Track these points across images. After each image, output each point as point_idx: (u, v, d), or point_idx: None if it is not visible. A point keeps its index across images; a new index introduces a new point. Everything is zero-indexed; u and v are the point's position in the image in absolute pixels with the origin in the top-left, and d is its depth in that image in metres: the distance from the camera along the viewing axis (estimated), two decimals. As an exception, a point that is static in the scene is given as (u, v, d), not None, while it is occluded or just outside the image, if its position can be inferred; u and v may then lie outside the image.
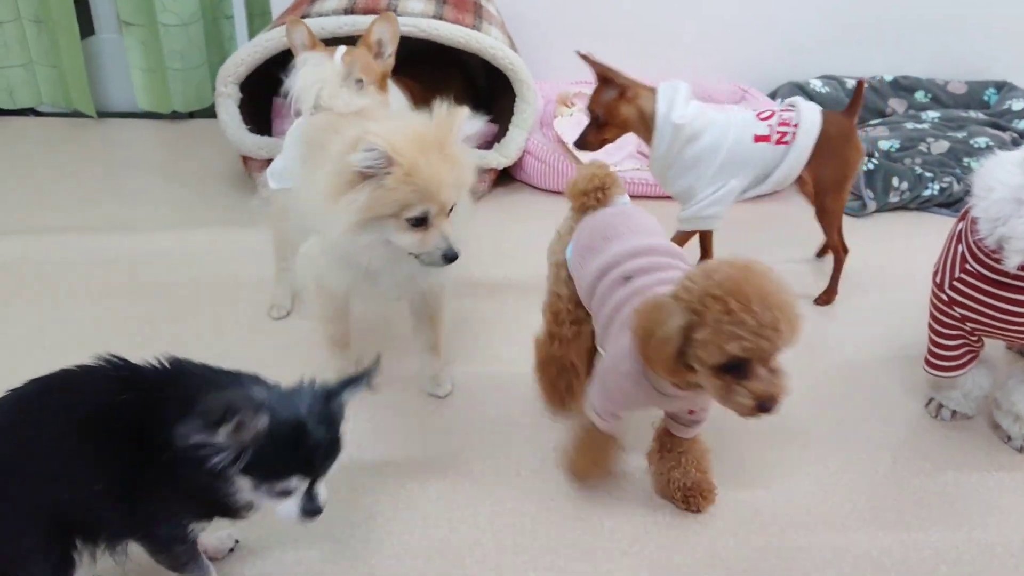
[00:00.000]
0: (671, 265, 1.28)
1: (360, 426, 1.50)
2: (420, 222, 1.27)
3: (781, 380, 1.09)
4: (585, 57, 1.83)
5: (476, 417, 1.53)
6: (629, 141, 2.47)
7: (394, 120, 1.43)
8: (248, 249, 2.04)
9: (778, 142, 1.77)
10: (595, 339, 1.40)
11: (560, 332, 1.46)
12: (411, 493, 1.36)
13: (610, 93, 1.79)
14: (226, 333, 1.74)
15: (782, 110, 1.81)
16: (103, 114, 2.86)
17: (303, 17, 2.18)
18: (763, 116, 1.80)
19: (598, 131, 1.83)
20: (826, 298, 1.95)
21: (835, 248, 1.92)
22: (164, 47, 2.70)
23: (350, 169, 1.22)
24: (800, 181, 1.92)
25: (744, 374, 1.07)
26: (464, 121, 1.28)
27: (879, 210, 2.34)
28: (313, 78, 1.46)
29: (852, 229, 2.25)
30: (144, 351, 1.70)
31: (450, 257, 1.28)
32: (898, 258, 2.12)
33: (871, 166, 2.34)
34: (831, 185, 1.83)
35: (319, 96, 1.43)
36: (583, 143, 1.85)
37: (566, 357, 1.46)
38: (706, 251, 2.03)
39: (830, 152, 1.78)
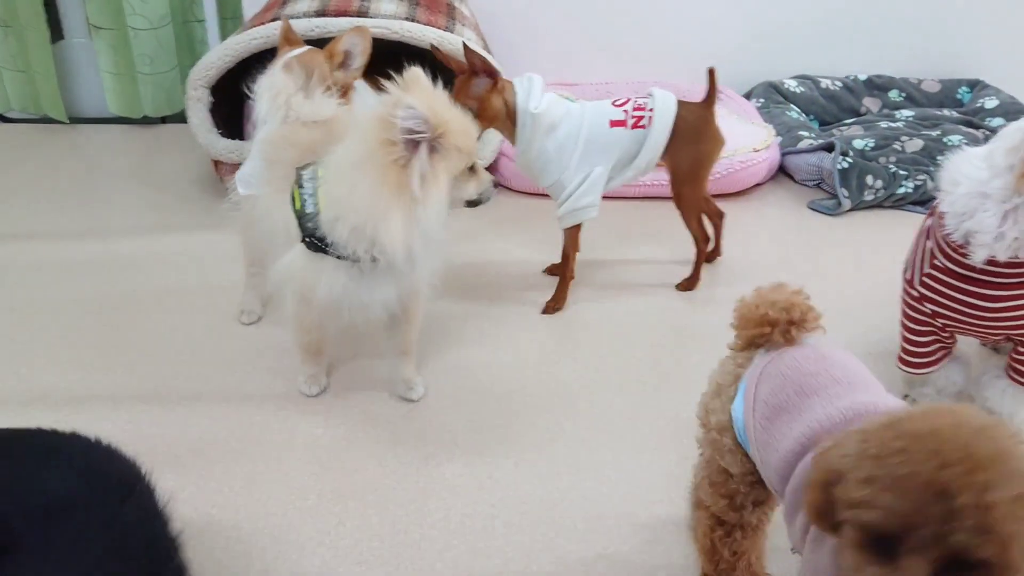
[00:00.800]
0: None
1: (330, 432, 1.48)
2: (471, 169, 1.39)
3: None
4: (436, 49, 1.81)
5: (449, 421, 1.51)
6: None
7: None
8: (219, 254, 2.02)
9: (634, 126, 1.79)
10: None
11: (741, 519, 1.07)
12: (381, 499, 1.34)
13: (482, 84, 1.74)
14: (195, 338, 1.72)
15: (637, 97, 1.82)
16: (74, 119, 2.83)
17: (274, 20, 2.17)
18: (618, 103, 1.82)
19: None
20: (687, 284, 1.96)
21: (695, 237, 1.93)
22: (134, 51, 2.67)
23: (390, 144, 1.24)
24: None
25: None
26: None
27: (854, 208, 2.34)
28: (275, 90, 1.46)
29: (828, 228, 2.27)
30: (110, 357, 1.68)
31: (479, 203, 1.44)
32: (873, 256, 2.13)
33: (845, 164, 2.35)
34: (687, 173, 1.84)
35: (287, 107, 1.43)
36: None
37: (753, 551, 1.11)
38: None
39: (686, 140, 1.79)
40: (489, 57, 1.83)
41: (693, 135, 1.80)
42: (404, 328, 1.53)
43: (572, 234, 1.87)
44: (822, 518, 0.74)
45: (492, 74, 1.73)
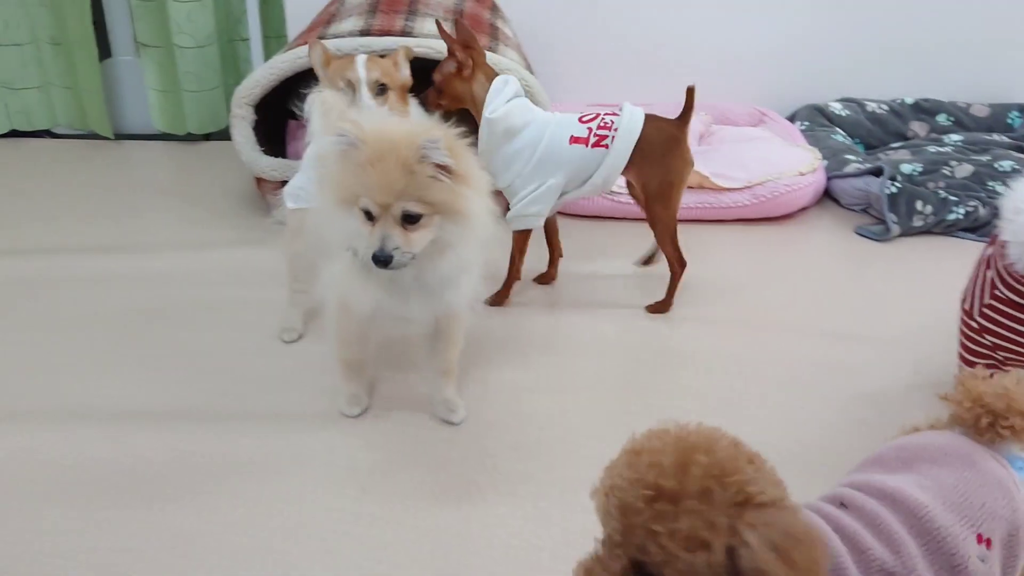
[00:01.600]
0: None
1: (371, 455, 1.46)
2: (370, 216, 1.28)
3: None
4: (440, 25, 1.85)
5: (491, 446, 1.48)
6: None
7: (392, 117, 1.49)
8: (260, 271, 2.02)
9: (594, 145, 1.76)
10: None
11: None
12: (422, 524, 1.31)
13: (450, 65, 1.79)
14: (235, 355, 1.71)
15: (607, 113, 1.80)
16: (119, 136, 2.86)
17: (320, 39, 2.17)
18: (586, 119, 1.80)
19: (436, 95, 1.84)
20: (658, 307, 1.91)
21: (670, 260, 1.89)
22: (180, 69, 2.70)
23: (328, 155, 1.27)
24: (630, 187, 1.92)
25: None
26: (434, 142, 1.23)
27: (903, 234, 2.28)
28: (327, 106, 1.47)
29: (876, 254, 2.22)
30: (150, 373, 1.68)
31: (379, 259, 1.26)
32: (924, 284, 2.07)
33: (894, 189, 2.30)
34: (658, 193, 1.81)
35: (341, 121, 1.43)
36: (423, 100, 1.85)
37: None
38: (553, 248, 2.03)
39: (653, 158, 1.76)
40: (475, 43, 1.83)
41: (660, 154, 1.76)
42: (444, 348, 1.51)
43: (518, 238, 1.89)
44: None
45: (453, 55, 1.78)
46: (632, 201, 2.28)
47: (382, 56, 1.83)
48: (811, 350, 1.78)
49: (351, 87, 1.71)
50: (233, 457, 1.44)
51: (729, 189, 2.30)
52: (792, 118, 2.80)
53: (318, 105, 1.49)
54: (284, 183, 1.77)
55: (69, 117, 2.84)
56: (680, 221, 2.32)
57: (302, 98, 1.59)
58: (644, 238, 2.22)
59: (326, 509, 1.34)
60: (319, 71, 1.80)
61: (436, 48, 2.15)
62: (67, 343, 1.75)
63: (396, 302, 1.38)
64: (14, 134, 2.83)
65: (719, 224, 2.34)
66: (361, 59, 1.76)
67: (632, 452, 0.77)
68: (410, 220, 1.27)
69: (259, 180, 2.33)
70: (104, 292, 1.94)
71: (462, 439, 1.50)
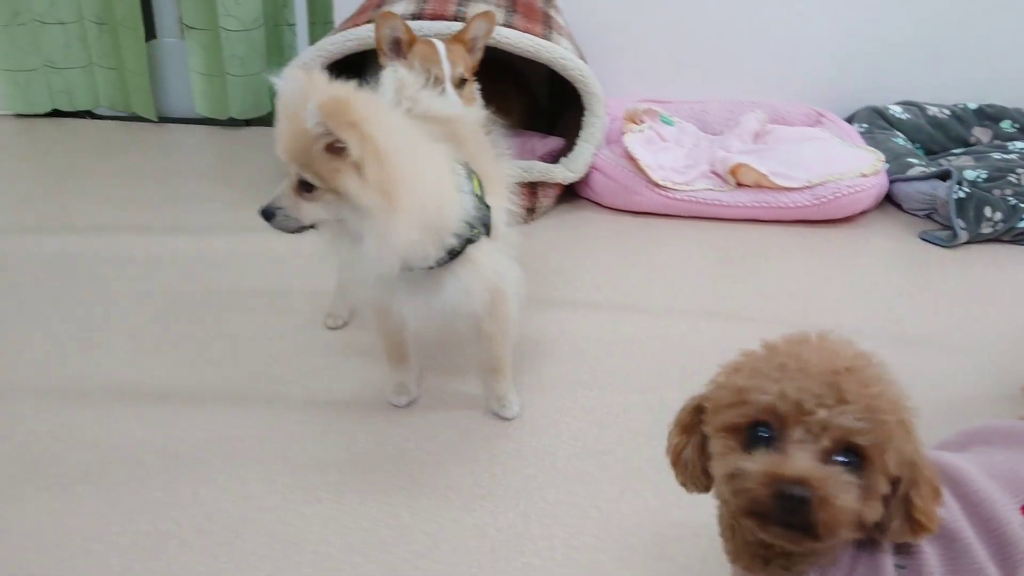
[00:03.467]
0: None
1: (421, 445, 1.39)
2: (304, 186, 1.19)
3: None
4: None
5: (547, 444, 1.41)
6: (702, 159, 2.36)
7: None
8: (302, 256, 1.96)
9: None
10: None
11: None
12: (478, 521, 1.24)
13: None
14: (278, 340, 1.65)
15: None
16: (161, 119, 2.83)
17: (368, 22, 2.12)
18: None
19: None
20: None
21: None
22: (224, 52, 2.65)
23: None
24: None
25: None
26: (314, 108, 1.09)
27: (970, 241, 2.18)
28: (400, 83, 1.39)
29: (942, 260, 2.12)
30: (193, 355, 1.62)
31: (264, 212, 1.21)
32: (993, 291, 1.97)
33: (962, 194, 2.19)
34: None
35: (413, 101, 1.36)
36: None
37: None
38: None
39: None
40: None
41: None
42: (488, 345, 1.42)
43: None
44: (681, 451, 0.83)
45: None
46: (693, 197, 2.21)
47: (456, 40, 1.75)
48: (880, 357, 1.68)
49: (437, 81, 1.63)
50: (274, 442, 1.38)
51: (788, 188, 2.21)
52: (850, 120, 2.70)
53: (393, 81, 1.41)
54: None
55: (112, 98, 2.81)
56: (735, 220, 2.25)
57: (368, 76, 1.51)
58: (699, 235, 2.15)
59: (376, 502, 1.27)
60: (385, 49, 1.73)
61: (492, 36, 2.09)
62: (110, 322, 1.69)
63: (389, 298, 1.30)
64: (56, 113, 2.80)
65: (777, 224, 2.25)
66: (442, 51, 1.67)
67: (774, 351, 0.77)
68: (305, 188, 1.17)
69: (303, 165, 2.27)
70: (146, 273, 1.88)
71: (517, 434, 1.42)
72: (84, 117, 2.83)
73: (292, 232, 1.23)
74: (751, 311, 1.84)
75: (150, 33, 2.76)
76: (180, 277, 1.87)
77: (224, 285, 1.84)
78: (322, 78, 1.17)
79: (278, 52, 2.77)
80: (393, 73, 1.46)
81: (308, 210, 1.19)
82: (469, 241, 1.25)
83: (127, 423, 1.40)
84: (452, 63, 1.65)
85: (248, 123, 2.82)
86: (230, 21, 2.62)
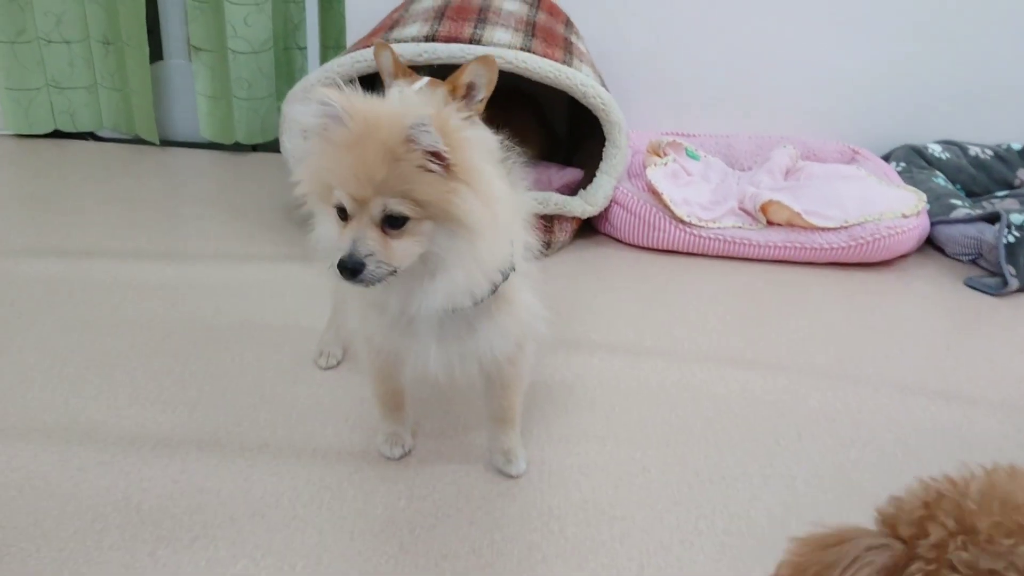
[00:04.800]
0: None
1: (414, 504, 1.23)
2: (343, 215, 1.01)
3: None
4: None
5: (556, 505, 1.25)
6: (730, 195, 2.21)
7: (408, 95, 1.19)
8: (299, 289, 1.83)
9: None
10: None
11: None
12: (473, 597, 1.08)
13: None
14: (265, 379, 1.50)
15: None
16: (165, 142, 2.73)
17: (380, 43, 2.01)
18: None
19: None
20: None
21: None
22: (232, 75, 2.56)
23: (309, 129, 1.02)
24: None
25: None
26: (423, 122, 0.95)
27: (1021, 289, 2.02)
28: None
29: (990, 309, 1.95)
30: (170, 393, 1.48)
31: (346, 266, 0.98)
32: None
33: (1011, 239, 2.03)
34: None
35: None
36: None
37: None
38: None
39: None
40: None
41: None
42: (499, 393, 1.26)
43: None
44: None
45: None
46: (720, 236, 2.07)
47: (447, 83, 1.61)
48: (918, 412, 1.52)
49: None
50: (249, 497, 1.22)
51: (823, 228, 2.06)
52: (886, 158, 2.55)
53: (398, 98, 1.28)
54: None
55: (115, 120, 2.72)
56: (765, 261, 2.10)
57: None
58: (726, 275, 2.00)
59: (360, 569, 1.11)
60: (386, 78, 1.62)
61: (507, 59, 1.97)
62: (84, 353, 1.56)
63: (407, 342, 1.13)
64: (57, 134, 2.71)
65: (810, 267, 2.09)
66: (421, 84, 1.55)
67: None
68: (393, 223, 0.99)
69: (306, 191, 2.15)
70: (135, 300, 1.76)
71: (522, 494, 1.26)
72: (86, 139, 2.74)
73: (379, 282, 1.01)
74: (781, 359, 1.68)
75: (156, 54, 2.67)
76: (167, 307, 1.74)
77: (214, 318, 1.71)
78: (358, 95, 1.02)
79: (287, 76, 2.68)
80: (398, 92, 1.33)
81: (401, 250, 0.99)
82: (504, 277, 1.11)
83: (87, 469, 1.26)
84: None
85: (255, 148, 2.72)
86: (239, 43, 2.52)
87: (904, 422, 1.48)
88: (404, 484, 1.27)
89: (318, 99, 0.98)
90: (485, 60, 1.59)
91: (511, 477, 1.29)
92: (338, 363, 1.56)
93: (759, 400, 1.53)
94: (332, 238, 1.02)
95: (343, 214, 1.01)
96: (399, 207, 0.98)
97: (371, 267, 0.98)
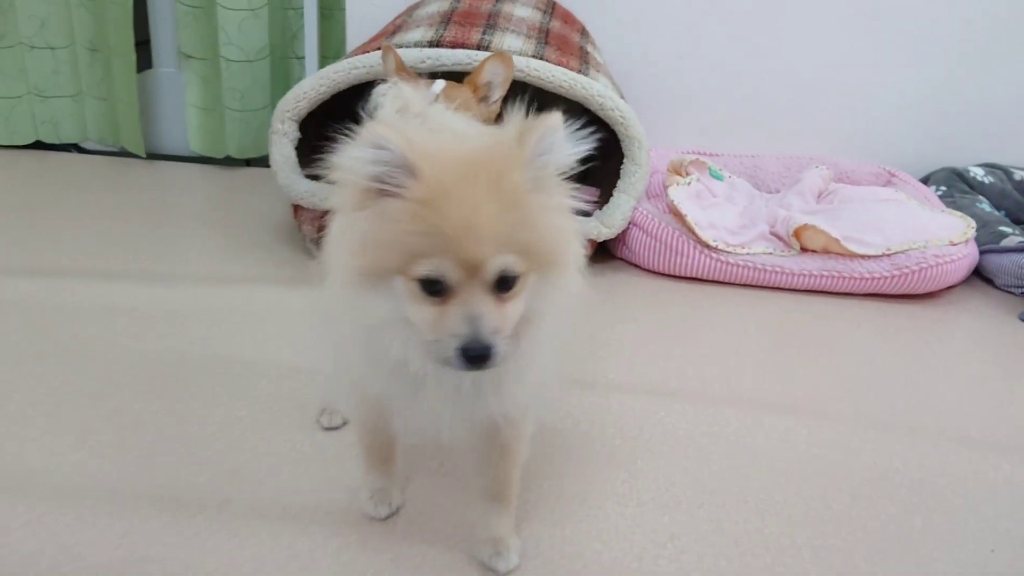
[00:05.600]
0: None
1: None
2: (436, 288, 0.80)
3: None
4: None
5: (569, 578, 1.05)
6: (760, 218, 2.03)
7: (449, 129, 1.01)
8: (284, 316, 1.65)
9: None
10: None
11: None
12: None
13: None
14: (235, 422, 1.31)
15: None
16: (152, 156, 2.57)
17: (377, 49, 1.84)
18: None
19: None
20: None
21: None
22: (224, 84, 2.40)
23: (353, 183, 0.80)
24: None
25: None
26: (550, 138, 0.80)
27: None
28: (402, 102, 1.09)
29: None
30: (126, 436, 1.27)
31: (472, 356, 0.78)
32: None
33: (1072, 270, 1.84)
34: None
35: (423, 122, 1.04)
36: None
37: None
38: None
39: None
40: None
41: None
42: (496, 460, 1.04)
43: None
44: None
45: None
46: (750, 262, 1.88)
47: (467, 84, 1.47)
48: (988, 471, 1.32)
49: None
50: (201, 568, 1.03)
51: (864, 256, 1.87)
52: (925, 181, 2.37)
53: (392, 99, 1.09)
54: (325, 214, 1.40)
55: (100, 131, 2.56)
56: (800, 291, 1.91)
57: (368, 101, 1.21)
58: (757, 306, 1.81)
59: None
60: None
61: (519, 67, 1.79)
62: (36, 386, 1.37)
63: (409, 392, 0.92)
64: (39, 146, 2.55)
65: (849, 298, 1.90)
66: (439, 86, 1.40)
67: None
68: (505, 286, 0.80)
69: (296, 209, 1.98)
70: (99, 327, 1.57)
71: (529, 567, 1.06)
72: (70, 151, 2.58)
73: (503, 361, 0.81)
74: (821, 403, 1.48)
75: (146, 62, 2.52)
76: (134, 336, 1.55)
77: (185, 348, 1.52)
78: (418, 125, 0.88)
79: (283, 86, 2.51)
80: (395, 88, 1.16)
81: (513, 315, 0.82)
82: None
83: (11, 530, 1.06)
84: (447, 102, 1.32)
85: (248, 163, 2.55)
86: (232, 50, 2.37)
87: (973, 483, 1.28)
88: (390, 554, 1.07)
89: (373, 142, 0.78)
90: (501, 57, 1.48)
91: (497, 573, 1.04)
92: (342, 424, 1.31)
93: (804, 455, 1.33)
94: (425, 321, 0.81)
95: (435, 287, 0.80)
96: (515, 266, 0.79)
97: (500, 346, 0.79)
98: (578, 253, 0.87)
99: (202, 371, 1.44)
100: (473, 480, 1.10)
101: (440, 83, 1.42)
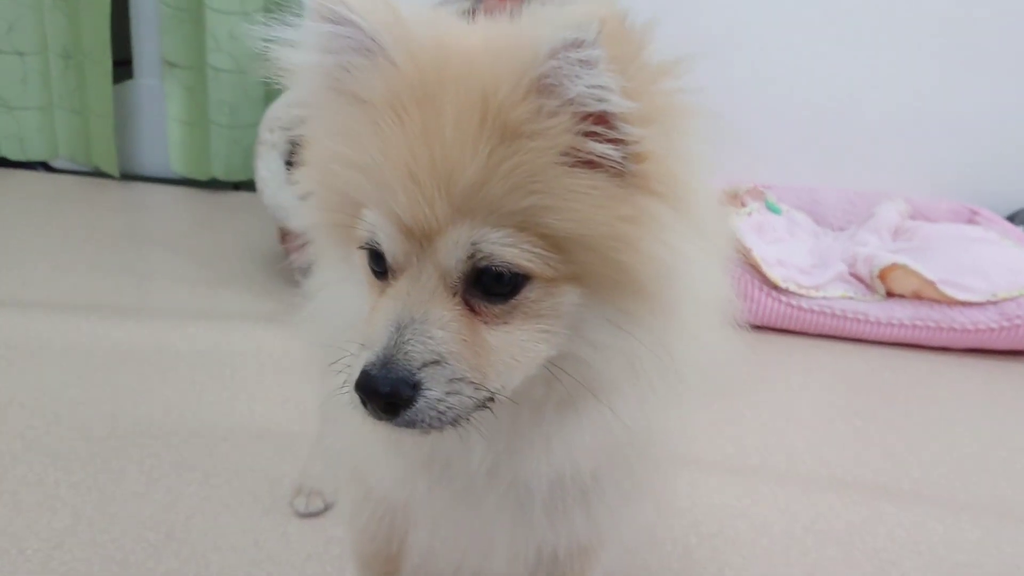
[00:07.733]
0: None
1: None
2: (380, 265, 0.50)
3: None
4: None
5: None
6: (834, 256, 1.71)
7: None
8: (261, 361, 1.33)
9: None
10: None
11: None
12: None
13: None
14: (182, 502, 0.98)
15: None
16: (129, 176, 2.28)
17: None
18: None
19: None
20: None
21: None
22: (211, 96, 2.12)
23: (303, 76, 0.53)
24: None
25: None
26: (579, 39, 0.45)
27: None
28: None
29: None
30: (37, 511, 0.94)
31: (374, 389, 0.46)
32: None
33: None
34: None
35: None
36: None
37: None
38: None
39: None
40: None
41: None
42: None
43: None
44: None
45: None
46: (828, 308, 1.56)
47: None
48: None
49: None
50: None
51: (965, 303, 1.55)
52: (1012, 218, 2.06)
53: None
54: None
55: (72, 148, 2.27)
56: (887, 344, 1.58)
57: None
58: (839, 361, 1.50)
59: None
60: None
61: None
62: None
63: (459, 516, 0.61)
64: (2, 163, 2.26)
65: (947, 353, 1.59)
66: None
67: None
68: (490, 287, 0.48)
69: (283, 234, 1.67)
70: (63, 366, 1.29)
71: None
72: (36, 169, 2.28)
73: (453, 424, 0.48)
74: (914, 483, 1.17)
75: (126, 72, 2.24)
76: (78, 379, 1.24)
77: (135, 400, 1.20)
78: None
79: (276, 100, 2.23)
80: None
81: (509, 347, 0.49)
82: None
83: None
84: None
85: (236, 187, 2.25)
86: (221, 59, 2.09)
87: None
88: None
89: (321, 11, 0.49)
90: None
91: None
92: (324, 509, 1.00)
93: (946, 561, 0.99)
94: (350, 315, 0.53)
95: (381, 264, 0.50)
96: (506, 251, 0.46)
97: (434, 391, 0.46)
98: (706, 280, 0.53)
99: (144, 430, 1.12)
100: None
101: None
